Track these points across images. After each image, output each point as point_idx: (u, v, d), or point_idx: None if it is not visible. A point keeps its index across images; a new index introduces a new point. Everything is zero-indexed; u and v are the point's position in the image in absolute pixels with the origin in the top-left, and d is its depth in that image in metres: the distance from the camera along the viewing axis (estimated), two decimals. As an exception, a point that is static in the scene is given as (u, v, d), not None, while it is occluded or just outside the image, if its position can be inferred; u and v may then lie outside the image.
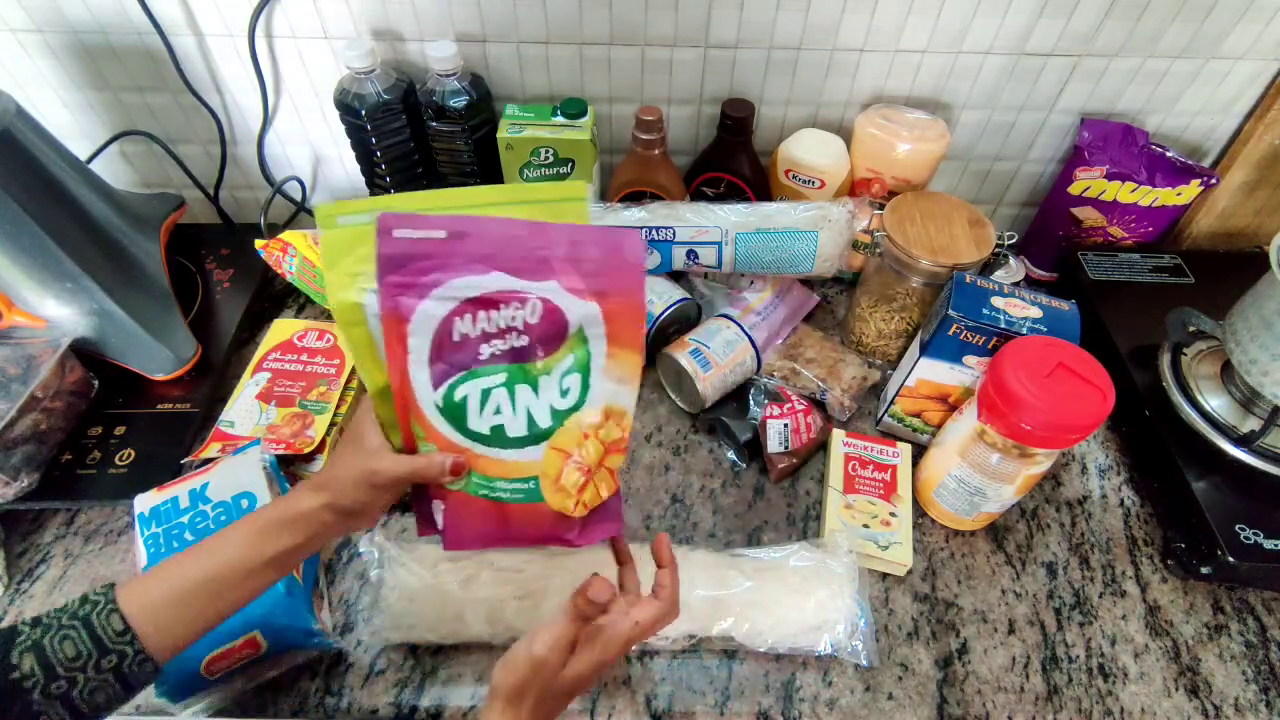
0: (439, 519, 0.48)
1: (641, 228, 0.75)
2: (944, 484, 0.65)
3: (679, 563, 0.55)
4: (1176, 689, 0.59)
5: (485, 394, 0.45)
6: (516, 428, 0.46)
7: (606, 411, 0.47)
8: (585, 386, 0.46)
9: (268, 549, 0.44)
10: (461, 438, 0.45)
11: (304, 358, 0.74)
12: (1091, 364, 0.57)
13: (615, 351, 0.46)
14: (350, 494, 0.45)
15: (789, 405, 0.71)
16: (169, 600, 0.41)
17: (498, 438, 0.46)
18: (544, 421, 0.46)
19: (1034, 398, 0.55)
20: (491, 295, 0.43)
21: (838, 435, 0.71)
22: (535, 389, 0.45)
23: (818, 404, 0.76)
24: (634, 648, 0.58)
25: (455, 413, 0.45)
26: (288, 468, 0.66)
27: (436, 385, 0.44)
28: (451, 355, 0.44)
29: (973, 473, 0.62)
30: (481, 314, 0.43)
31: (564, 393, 0.46)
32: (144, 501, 0.59)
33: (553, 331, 0.44)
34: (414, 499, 0.49)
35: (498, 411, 0.45)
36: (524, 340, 0.44)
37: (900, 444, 0.71)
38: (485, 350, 0.44)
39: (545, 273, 0.43)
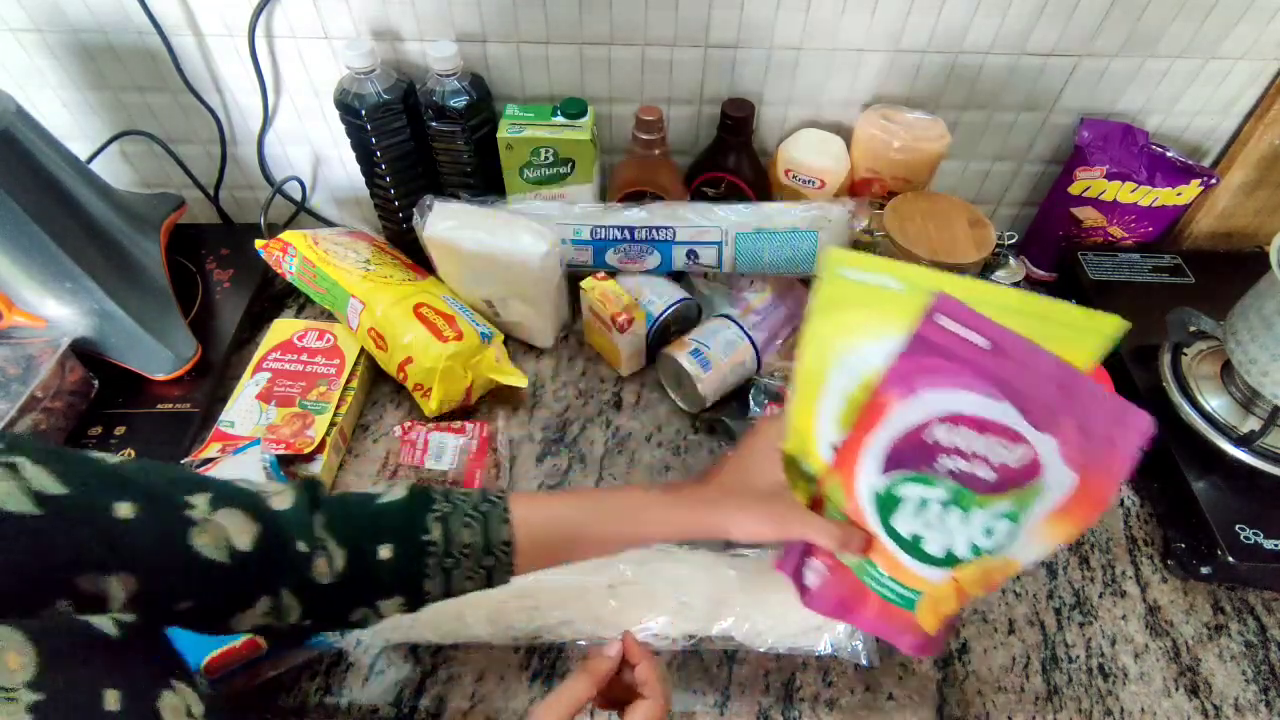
0: (811, 579, 0.50)
1: (641, 227, 0.75)
2: None
3: (681, 562, 0.55)
4: (1176, 689, 0.59)
5: (923, 502, 0.44)
6: (933, 546, 0.45)
7: (1007, 560, 0.45)
8: (1012, 536, 0.44)
9: (641, 532, 0.48)
10: (880, 528, 0.46)
11: (304, 358, 0.74)
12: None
13: (1061, 521, 0.43)
14: (745, 524, 0.47)
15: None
16: (546, 535, 0.46)
17: (913, 546, 0.45)
18: (960, 551, 0.45)
19: None
20: (990, 423, 0.41)
21: None
22: (965, 516, 0.43)
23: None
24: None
25: (887, 505, 0.45)
26: (288, 467, 0.66)
27: (884, 471, 0.44)
28: (916, 453, 0.43)
29: None
30: (969, 432, 0.41)
31: (988, 532, 0.44)
32: (144, 501, 0.59)
33: (1018, 479, 0.42)
34: (790, 542, 0.51)
35: (926, 524, 0.44)
36: (990, 475, 0.42)
37: None
38: (947, 463, 0.42)
39: (1051, 427, 0.40)
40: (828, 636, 0.58)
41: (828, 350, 0.44)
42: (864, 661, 0.58)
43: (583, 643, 0.58)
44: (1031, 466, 0.41)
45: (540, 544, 0.46)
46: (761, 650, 0.59)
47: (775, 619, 0.58)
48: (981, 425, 0.41)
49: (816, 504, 0.48)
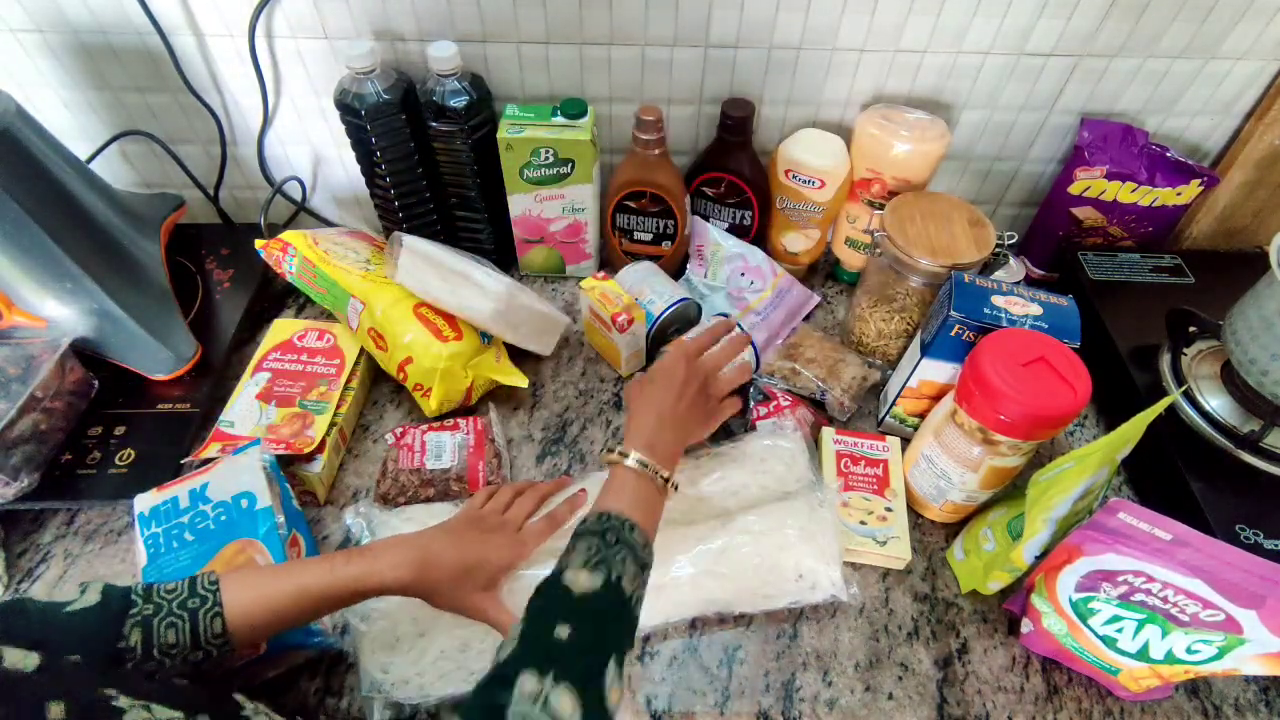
0: (1024, 628, 0.60)
1: None
2: (918, 463, 0.66)
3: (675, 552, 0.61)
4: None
5: (1115, 618, 0.52)
6: (1127, 645, 0.53)
7: (1217, 672, 0.51)
8: (1218, 658, 0.50)
9: (345, 589, 0.50)
10: (1076, 618, 0.54)
11: (304, 358, 0.74)
12: (1074, 364, 0.57)
13: (1270, 661, 0.49)
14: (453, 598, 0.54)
15: (775, 403, 0.71)
16: (258, 612, 0.46)
17: (1107, 641, 0.54)
18: (1156, 655, 0.52)
19: (1005, 384, 0.55)
20: (1183, 591, 0.48)
21: (827, 433, 0.71)
22: (1164, 634, 0.51)
23: (810, 401, 0.76)
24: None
25: (1079, 610, 0.54)
26: (287, 468, 0.66)
27: (1077, 591, 0.53)
28: (1109, 585, 0.51)
29: (940, 452, 0.62)
30: (1159, 587, 0.49)
31: (1191, 650, 0.50)
32: (144, 501, 0.59)
33: (1218, 628, 0.48)
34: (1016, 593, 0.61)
35: (1119, 630, 0.53)
36: (1184, 618, 0.49)
37: (889, 438, 0.71)
38: (1139, 598, 0.50)
39: (1253, 604, 0.46)
40: (796, 503, 0.63)
41: (1046, 510, 0.54)
42: (844, 598, 0.60)
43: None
44: (1230, 624, 0.47)
45: (259, 618, 0.47)
46: (751, 522, 0.62)
47: (764, 579, 0.61)
48: (1175, 588, 0.48)
49: (1030, 587, 0.59)
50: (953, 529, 0.68)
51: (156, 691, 0.38)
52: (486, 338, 0.74)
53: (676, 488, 0.56)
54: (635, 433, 0.56)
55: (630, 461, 0.54)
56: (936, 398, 0.68)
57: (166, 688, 0.39)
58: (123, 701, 0.36)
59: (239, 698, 0.43)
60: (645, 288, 0.79)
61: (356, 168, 0.81)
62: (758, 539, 0.61)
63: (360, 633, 0.57)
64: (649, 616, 0.59)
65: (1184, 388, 0.67)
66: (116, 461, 0.67)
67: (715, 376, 0.63)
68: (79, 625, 0.41)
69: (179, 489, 0.59)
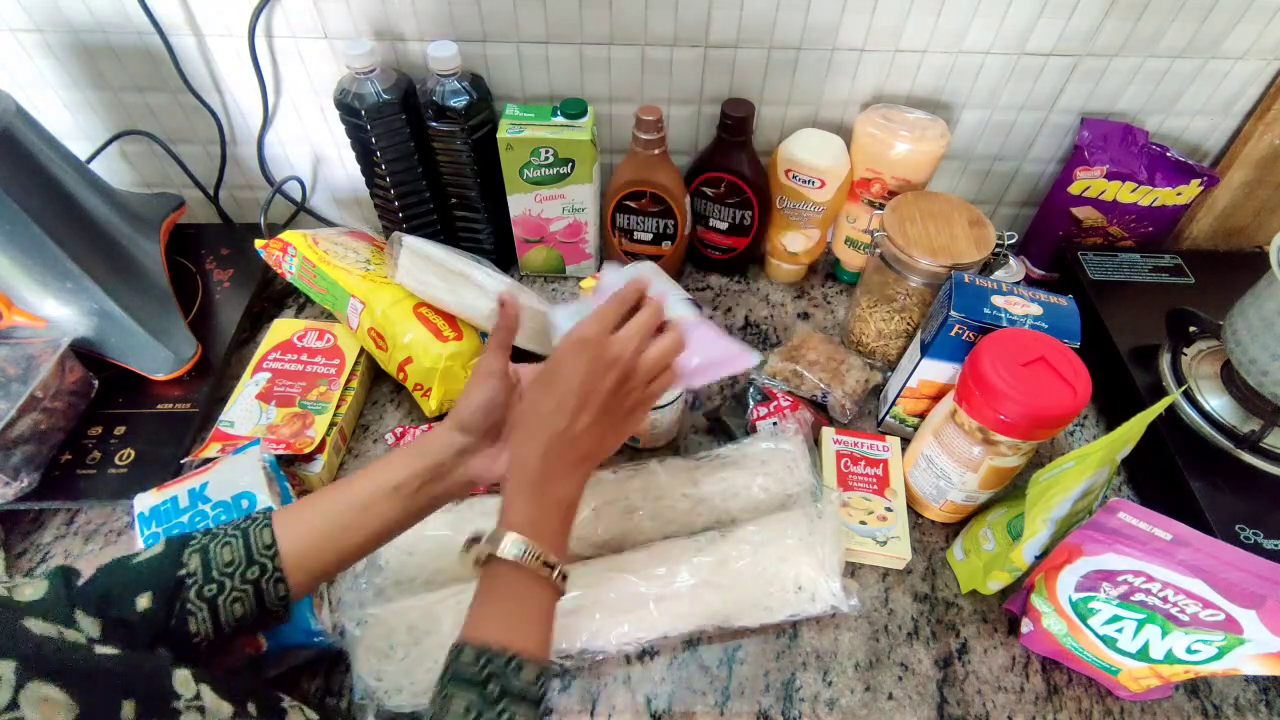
0: (1024, 627, 0.59)
1: None
2: (917, 463, 0.66)
3: (651, 476, 0.61)
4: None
5: (1115, 618, 0.52)
6: (1127, 645, 0.53)
7: (1216, 671, 0.51)
8: (1218, 658, 0.50)
9: (391, 476, 0.47)
10: (1076, 618, 0.54)
11: (304, 358, 0.74)
12: (1074, 364, 0.57)
13: (1270, 660, 0.48)
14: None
15: (775, 403, 0.71)
16: (309, 528, 0.46)
17: (1107, 641, 0.54)
18: (1156, 655, 0.52)
19: (1005, 384, 0.55)
20: (1183, 590, 0.48)
21: (827, 433, 0.71)
22: (1164, 634, 0.51)
23: (811, 402, 0.76)
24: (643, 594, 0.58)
25: (1079, 610, 0.54)
26: (287, 468, 0.66)
27: (1077, 591, 0.53)
28: (1109, 585, 0.51)
29: (940, 452, 0.62)
30: (1159, 587, 0.49)
31: (1191, 650, 0.50)
32: (144, 501, 0.59)
33: (1218, 628, 0.48)
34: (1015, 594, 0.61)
35: (1119, 630, 0.52)
36: (1184, 618, 0.49)
37: (889, 438, 0.71)
38: (1139, 598, 0.50)
39: (1253, 603, 0.46)
40: (797, 511, 0.62)
41: (1046, 510, 0.54)
42: (844, 609, 0.59)
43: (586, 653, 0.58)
44: (1230, 624, 0.47)
45: (305, 539, 0.45)
46: (740, 520, 0.62)
47: (745, 501, 0.63)
48: (1175, 588, 0.48)
49: (1030, 587, 0.58)
50: (953, 529, 0.68)
51: (207, 678, 0.37)
52: (486, 338, 0.74)
53: (565, 579, 0.45)
54: (515, 491, 0.45)
55: (506, 550, 0.43)
56: (936, 398, 0.68)
57: (215, 678, 0.39)
58: (179, 701, 0.35)
59: (278, 694, 0.43)
60: (645, 288, 0.79)
61: (356, 168, 0.81)
62: (757, 549, 0.60)
63: (355, 638, 0.56)
64: (649, 630, 0.58)
65: (1184, 388, 0.67)
66: (116, 461, 0.67)
67: (636, 361, 0.47)
68: (145, 570, 0.43)
69: (179, 489, 0.59)
